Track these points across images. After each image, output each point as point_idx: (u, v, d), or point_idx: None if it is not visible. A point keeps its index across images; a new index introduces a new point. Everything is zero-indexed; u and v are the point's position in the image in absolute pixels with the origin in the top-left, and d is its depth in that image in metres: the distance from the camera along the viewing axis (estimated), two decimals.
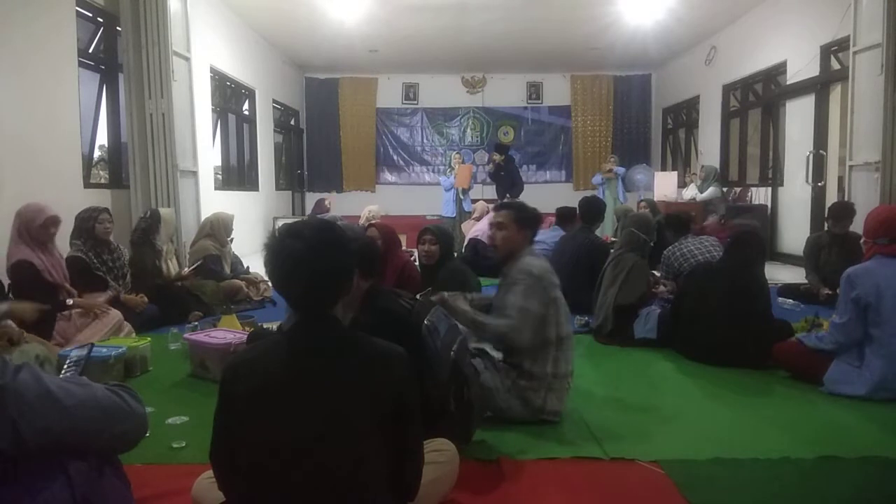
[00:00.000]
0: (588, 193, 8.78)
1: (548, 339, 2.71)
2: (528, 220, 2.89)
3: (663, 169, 12.17)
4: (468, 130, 13.43)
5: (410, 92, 13.32)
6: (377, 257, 2.54)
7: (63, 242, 4.38)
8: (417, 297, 3.06)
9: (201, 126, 7.34)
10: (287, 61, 11.75)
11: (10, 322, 3.32)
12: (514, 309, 2.64)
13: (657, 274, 4.83)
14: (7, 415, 1.23)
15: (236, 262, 6.05)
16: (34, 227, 3.82)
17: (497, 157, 10.23)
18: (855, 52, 5.97)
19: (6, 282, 3.76)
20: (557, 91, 13.28)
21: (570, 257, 5.23)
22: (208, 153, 8.04)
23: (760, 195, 8.81)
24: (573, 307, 4.74)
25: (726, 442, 2.56)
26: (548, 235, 5.88)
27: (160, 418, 2.75)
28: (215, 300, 5.12)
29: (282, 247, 1.47)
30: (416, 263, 4.47)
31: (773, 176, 8.62)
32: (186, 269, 5.21)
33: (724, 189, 9.34)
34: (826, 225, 5.54)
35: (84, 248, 4.35)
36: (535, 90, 13.36)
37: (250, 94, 10.09)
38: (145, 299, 4.52)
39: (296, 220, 2.04)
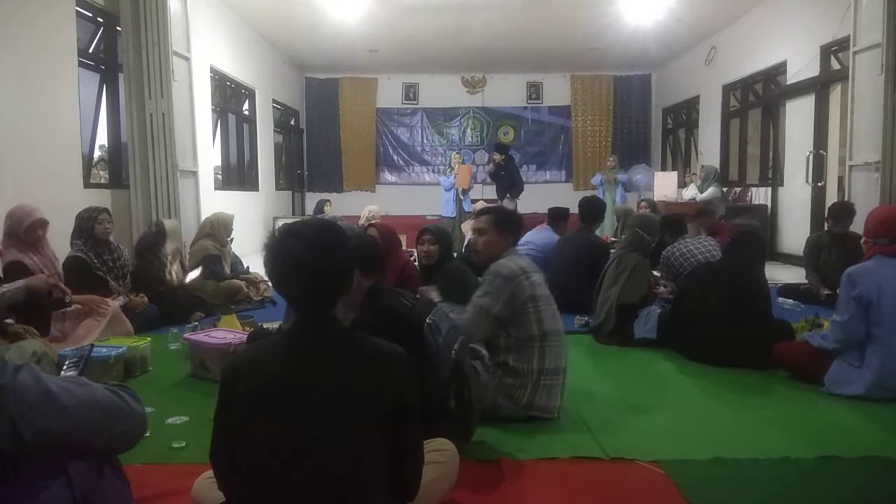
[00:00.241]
0: (588, 193, 8.78)
1: (530, 336, 2.72)
2: (508, 223, 2.93)
3: (663, 169, 12.17)
4: (468, 130, 13.43)
5: (410, 92, 13.32)
6: (378, 256, 2.54)
7: (62, 242, 4.38)
8: (417, 296, 3.06)
9: (201, 126, 7.34)
10: (287, 61, 11.75)
11: (9, 321, 3.34)
12: (471, 305, 2.75)
13: (657, 274, 4.84)
14: (7, 414, 1.23)
15: (236, 262, 6.04)
16: (21, 230, 3.83)
17: (497, 156, 10.22)
18: (855, 52, 5.97)
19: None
20: (557, 91, 13.29)
21: (570, 257, 5.23)
22: (208, 153, 8.04)
23: (760, 195, 8.81)
24: (573, 307, 4.80)
25: (726, 442, 2.56)
26: (538, 236, 5.87)
27: (160, 418, 2.74)
28: (215, 300, 5.11)
29: (282, 247, 1.47)
30: (416, 263, 4.47)
31: (773, 176, 8.62)
32: (189, 278, 5.19)
33: (724, 189, 9.34)
34: (826, 225, 5.54)
35: (84, 248, 4.36)
36: (535, 90, 13.36)
37: (250, 94, 10.09)
38: (145, 299, 4.52)
39: (296, 220, 2.04)
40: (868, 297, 3.01)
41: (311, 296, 1.49)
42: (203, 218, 6.31)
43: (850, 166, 6.05)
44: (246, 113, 10.17)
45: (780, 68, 8.39)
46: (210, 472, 1.65)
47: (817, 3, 7.40)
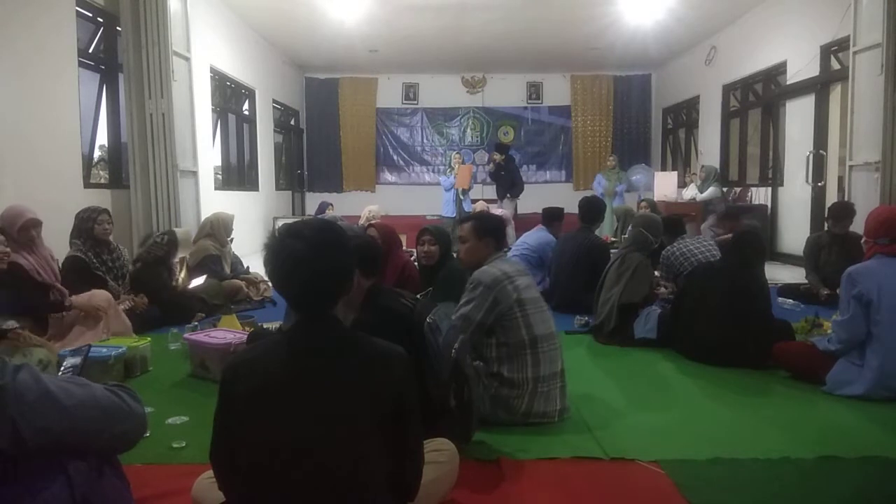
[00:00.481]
0: (588, 193, 8.77)
1: (520, 342, 2.68)
2: (488, 229, 2.90)
3: (663, 169, 12.17)
4: (468, 130, 13.43)
5: (410, 92, 13.32)
6: (378, 256, 2.54)
7: (62, 242, 4.38)
8: (417, 297, 3.06)
9: (201, 126, 7.34)
10: (287, 61, 11.75)
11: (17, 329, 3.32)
12: (456, 314, 2.72)
13: (657, 274, 4.84)
14: (7, 415, 1.23)
15: (236, 262, 6.05)
16: (14, 231, 3.82)
17: (497, 156, 10.23)
18: (855, 52, 5.97)
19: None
20: (557, 91, 13.28)
21: (570, 257, 5.23)
22: (208, 153, 8.04)
23: (760, 195, 8.81)
24: (573, 307, 4.81)
25: (726, 442, 2.56)
26: (533, 237, 5.88)
27: (160, 418, 2.74)
28: (215, 300, 5.11)
29: (282, 247, 1.47)
30: (416, 263, 4.47)
31: (773, 176, 8.62)
32: (193, 284, 5.17)
33: (724, 189, 9.34)
34: (826, 225, 5.54)
35: (83, 249, 4.35)
36: (535, 90, 13.36)
37: (250, 94, 10.09)
38: (146, 300, 4.52)
39: (296, 220, 2.04)
40: (868, 296, 3.02)
41: (311, 296, 1.49)
42: (203, 218, 6.32)
43: (850, 166, 6.05)
44: (246, 113, 10.17)
45: (780, 68, 8.39)
46: (210, 472, 1.65)
47: (817, 3, 7.40)
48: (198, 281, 5.23)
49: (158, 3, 6.08)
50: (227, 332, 3.60)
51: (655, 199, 8.94)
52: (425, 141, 13.49)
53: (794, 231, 7.78)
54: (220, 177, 9.15)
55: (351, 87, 13.13)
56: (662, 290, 4.59)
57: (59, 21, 5.28)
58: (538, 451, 2.45)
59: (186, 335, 3.61)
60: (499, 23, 9.37)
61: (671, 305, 4.11)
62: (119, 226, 5.24)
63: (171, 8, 6.28)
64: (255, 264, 6.74)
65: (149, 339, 3.70)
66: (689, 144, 12.01)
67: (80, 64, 5.68)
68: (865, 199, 5.65)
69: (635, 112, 13.30)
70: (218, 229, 5.75)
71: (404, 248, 5.17)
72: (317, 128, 13.27)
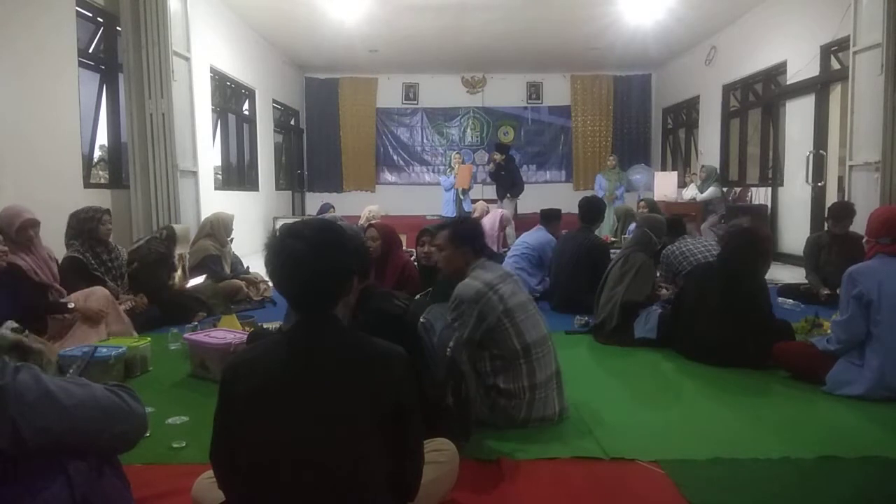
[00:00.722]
0: (588, 193, 8.78)
1: (513, 352, 2.64)
2: (464, 237, 2.81)
3: (663, 169, 12.18)
4: (468, 130, 13.43)
5: (410, 92, 13.32)
6: (368, 258, 2.54)
7: (59, 242, 4.37)
8: (417, 297, 3.07)
9: (201, 126, 7.34)
10: (287, 61, 11.75)
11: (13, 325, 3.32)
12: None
13: (658, 275, 4.84)
14: (7, 415, 1.23)
15: (236, 262, 6.05)
16: (12, 232, 3.81)
17: (498, 156, 10.23)
18: (855, 52, 5.97)
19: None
20: (557, 91, 13.29)
21: (570, 257, 5.23)
22: (208, 153, 8.04)
23: (760, 195, 8.81)
24: (573, 307, 4.81)
25: (726, 442, 2.56)
26: (532, 236, 5.88)
27: (160, 418, 2.74)
28: (215, 300, 5.11)
29: (282, 246, 1.48)
30: (416, 263, 4.47)
31: (773, 176, 8.62)
32: (190, 283, 5.18)
33: (724, 189, 9.34)
34: (826, 225, 5.54)
35: (81, 249, 4.34)
36: (535, 90, 13.36)
37: (250, 94, 10.09)
38: (145, 300, 4.52)
39: (296, 220, 2.04)
40: (868, 295, 3.02)
41: (311, 296, 1.49)
42: (203, 218, 6.32)
43: (850, 166, 6.05)
44: (246, 113, 10.17)
45: (780, 68, 8.39)
46: (210, 472, 1.65)
47: (817, 3, 7.40)
48: (196, 280, 5.23)
49: (158, 3, 6.08)
50: (227, 332, 3.60)
51: (655, 199, 8.94)
52: (425, 141, 13.49)
53: (794, 231, 7.78)
54: (220, 177, 9.15)
55: (351, 87, 13.13)
56: (664, 291, 4.58)
57: (59, 21, 5.28)
58: (538, 451, 2.45)
59: (186, 335, 3.61)
60: (499, 23, 9.36)
61: (671, 305, 4.11)
62: (119, 226, 5.24)
63: (171, 8, 6.28)
64: (255, 264, 6.74)
65: (149, 339, 3.70)
66: (689, 144, 12.01)
67: (80, 64, 5.68)
68: (865, 199, 5.65)
69: (635, 112, 13.30)
70: (218, 229, 5.75)
71: (404, 248, 5.17)
72: (317, 128, 13.27)
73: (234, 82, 9.38)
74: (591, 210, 5.53)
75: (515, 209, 9.96)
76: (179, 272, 5.18)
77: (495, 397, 2.65)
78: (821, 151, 7.28)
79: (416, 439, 1.55)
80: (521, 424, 2.66)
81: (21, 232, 3.85)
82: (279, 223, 9.87)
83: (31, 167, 4.86)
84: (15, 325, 3.30)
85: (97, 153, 6.79)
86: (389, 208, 10.38)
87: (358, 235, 3.43)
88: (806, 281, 5.53)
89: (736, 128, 9.98)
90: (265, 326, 4.08)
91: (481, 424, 2.58)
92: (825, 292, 5.13)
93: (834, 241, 5.33)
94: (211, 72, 8.14)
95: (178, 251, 5.14)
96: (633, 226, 7.77)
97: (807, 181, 7.34)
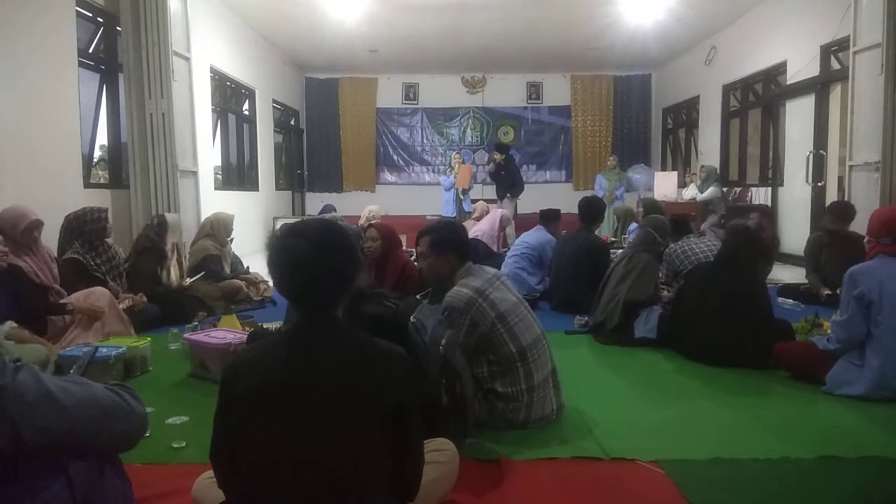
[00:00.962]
0: (588, 193, 8.77)
1: (509, 356, 2.62)
2: (446, 243, 2.73)
3: (663, 169, 12.18)
4: (468, 130, 13.43)
5: (410, 92, 13.32)
6: (362, 260, 2.52)
7: (55, 243, 4.36)
8: (417, 297, 3.06)
9: (201, 126, 7.34)
10: (287, 61, 11.75)
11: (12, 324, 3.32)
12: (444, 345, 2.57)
13: (659, 275, 4.84)
14: (7, 415, 1.23)
15: (236, 262, 6.04)
16: (18, 233, 3.80)
17: (497, 156, 10.23)
18: (855, 52, 5.97)
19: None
20: (557, 91, 13.29)
21: (570, 257, 5.23)
22: (208, 153, 8.04)
23: (760, 195, 8.81)
24: (573, 307, 4.81)
25: (726, 442, 2.56)
26: (532, 236, 5.88)
27: (160, 418, 2.74)
28: (215, 301, 5.11)
29: (284, 245, 1.48)
30: (416, 263, 4.47)
31: (773, 176, 8.62)
32: (188, 280, 5.19)
33: (724, 189, 9.34)
34: (823, 220, 5.52)
35: (81, 251, 4.34)
36: (535, 90, 13.36)
37: (250, 94, 10.09)
38: (144, 299, 4.52)
39: (296, 220, 2.04)
40: (869, 296, 3.02)
41: (312, 295, 1.49)
42: (203, 218, 6.31)
43: (850, 166, 6.05)
44: (246, 113, 10.18)
45: (780, 68, 8.39)
46: (210, 472, 1.65)
47: (817, 3, 7.40)
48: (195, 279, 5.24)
49: (158, 3, 6.08)
50: (227, 332, 3.59)
51: (655, 199, 8.93)
52: (425, 141, 13.49)
53: (794, 231, 7.78)
54: (220, 177, 9.16)
55: (351, 87, 13.13)
56: (665, 293, 4.58)
57: (59, 21, 5.28)
58: (538, 451, 2.45)
59: (186, 335, 3.61)
60: (499, 23, 9.37)
61: (671, 305, 4.11)
62: (119, 226, 5.24)
63: (171, 8, 6.28)
64: (255, 264, 6.74)
65: (149, 339, 3.70)
66: (689, 144, 12.01)
67: (80, 64, 5.67)
68: (865, 199, 5.65)
69: (635, 112, 13.30)
70: (218, 229, 5.74)
71: (404, 248, 5.18)
72: (317, 128, 13.27)
73: (234, 82, 9.38)
74: (591, 210, 5.53)
75: (515, 209, 9.96)
76: (176, 268, 5.18)
77: (493, 401, 2.64)
78: (821, 151, 7.29)
79: (416, 439, 1.55)
80: (520, 426, 2.65)
81: (26, 233, 3.85)
82: (279, 223, 9.88)
83: (31, 167, 4.86)
84: (15, 325, 3.31)
85: (97, 153, 6.79)
86: (389, 208, 10.37)
87: (358, 236, 3.43)
88: (806, 281, 5.53)
89: (736, 128, 9.98)
90: (265, 326, 4.08)
91: (480, 426, 2.58)
92: (826, 293, 5.12)
93: (834, 241, 5.32)
94: (211, 72, 8.14)
95: (170, 240, 5.14)
96: (633, 226, 7.78)
97: (807, 181, 7.34)
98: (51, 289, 3.93)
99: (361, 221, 7.28)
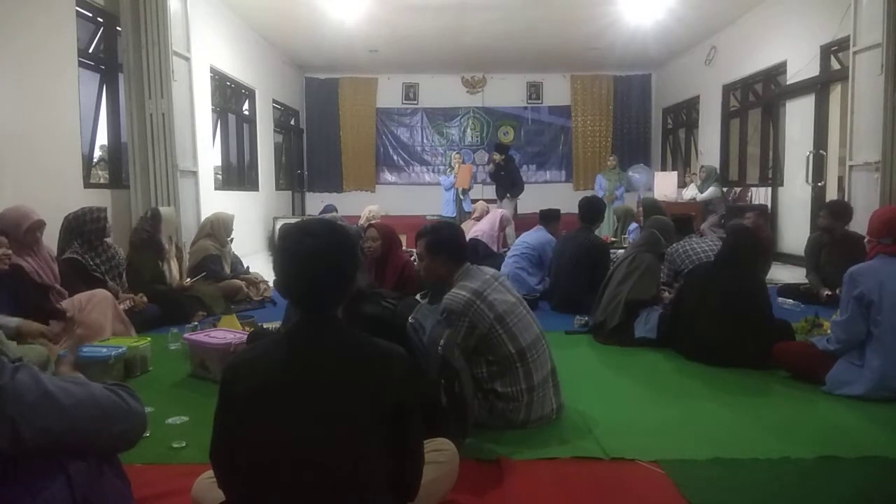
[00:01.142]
0: (588, 193, 8.77)
1: (508, 357, 2.62)
2: (442, 245, 2.73)
3: (663, 169, 12.18)
4: (468, 130, 13.43)
5: (410, 92, 13.32)
6: (360, 262, 2.52)
7: (54, 244, 4.36)
8: (417, 296, 3.06)
9: (201, 126, 7.34)
10: (287, 61, 11.75)
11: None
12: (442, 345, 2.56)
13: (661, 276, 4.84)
14: (7, 415, 1.23)
15: (236, 262, 6.05)
16: (21, 233, 3.80)
17: (497, 156, 10.23)
18: (855, 52, 5.97)
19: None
20: (557, 91, 13.29)
21: (570, 257, 5.23)
22: (208, 153, 8.04)
23: (760, 195, 8.81)
24: (573, 307, 4.81)
25: (726, 442, 2.56)
26: (532, 236, 5.88)
27: (160, 418, 2.74)
28: (215, 301, 5.11)
29: (288, 244, 1.49)
30: (416, 263, 4.47)
31: (773, 176, 8.62)
32: (188, 280, 5.19)
33: (724, 189, 9.34)
34: (819, 218, 5.51)
35: (80, 251, 4.34)
36: (535, 90, 13.36)
37: (250, 94, 10.09)
38: (145, 299, 4.52)
39: (297, 220, 2.04)
40: (869, 296, 3.01)
41: (314, 295, 1.50)
42: (203, 218, 6.32)
43: (850, 166, 6.05)
44: (246, 113, 10.17)
45: (780, 68, 8.39)
46: (210, 472, 1.65)
47: (817, 3, 7.40)
48: (195, 279, 5.25)
49: (158, 3, 6.08)
50: (227, 332, 3.60)
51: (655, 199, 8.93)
52: (425, 141, 13.49)
53: (794, 231, 7.78)
54: (220, 177, 9.15)
55: (351, 87, 13.13)
56: (666, 294, 4.59)
57: (58, 21, 5.28)
58: (538, 451, 2.45)
59: (186, 335, 3.61)
60: (499, 23, 9.36)
61: (671, 305, 4.11)
62: (119, 226, 5.24)
63: (171, 8, 6.27)
64: (255, 264, 6.75)
65: (149, 339, 3.70)
66: (689, 144, 12.01)
67: (80, 64, 5.67)
68: (865, 199, 5.65)
69: (635, 112, 13.30)
70: (218, 229, 5.75)
71: (404, 248, 5.18)
72: (317, 128, 13.27)
73: (234, 82, 9.38)
74: (591, 210, 5.53)
75: (515, 209, 9.96)
76: (175, 266, 5.19)
77: (493, 401, 2.64)
78: (821, 151, 7.29)
79: (416, 439, 1.56)
80: (520, 426, 2.65)
81: (28, 233, 3.85)
82: (279, 223, 9.89)
83: (31, 167, 4.86)
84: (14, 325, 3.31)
85: (97, 153, 6.79)
86: (389, 208, 10.38)
87: (358, 236, 3.43)
88: (806, 281, 5.53)
89: (736, 128, 9.98)
90: (265, 326, 4.08)
91: (480, 426, 2.58)
92: (826, 293, 5.12)
93: (834, 241, 5.32)
94: (211, 72, 8.14)
95: (165, 233, 5.14)
96: (633, 226, 7.78)
97: (807, 181, 7.34)
98: (52, 289, 3.93)
99: (361, 221, 7.28)
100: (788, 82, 8.06)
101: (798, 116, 7.89)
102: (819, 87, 7.38)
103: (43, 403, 1.28)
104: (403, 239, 5.42)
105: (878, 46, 5.56)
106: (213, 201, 7.30)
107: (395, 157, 13.47)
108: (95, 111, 6.29)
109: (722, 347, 3.56)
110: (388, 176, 13.51)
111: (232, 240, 5.95)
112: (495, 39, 10.31)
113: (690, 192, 9.33)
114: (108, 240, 4.61)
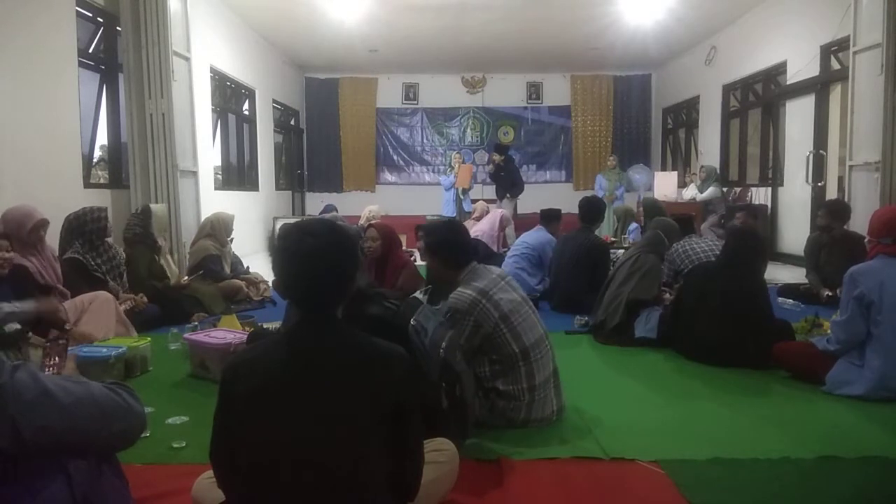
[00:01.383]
0: (588, 193, 8.77)
1: (511, 356, 2.62)
2: (439, 247, 2.74)
3: (663, 169, 12.18)
4: (468, 130, 13.44)
5: (410, 92, 13.32)
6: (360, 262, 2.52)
7: (54, 244, 4.36)
8: (418, 293, 3.05)
9: (201, 126, 7.34)
10: (287, 61, 11.75)
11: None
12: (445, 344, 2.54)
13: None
14: (6, 414, 1.23)
15: (236, 262, 6.04)
16: (25, 233, 3.80)
17: (497, 157, 10.23)
18: (855, 52, 5.97)
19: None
20: (557, 91, 13.29)
21: (570, 257, 5.23)
22: (208, 153, 8.04)
23: (760, 195, 8.81)
24: (573, 307, 4.81)
25: (726, 442, 2.56)
26: (532, 236, 5.89)
27: (160, 418, 2.74)
28: (214, 301, 5.11)
29: (289, 243, 1.49)
30: (416, 263, 4.47)
31: (773, 176, 8.62)
32: (186, 278, 5.19)
33: (724, 189, 9.34)
34: (817, 217, 5.51)
35: (81, 251, 4.34)
36: (535, 90, 13.36)
37: (250, 94, 10.09)
38: (145, 299, 4.52)
39: (297, 220, 2.05)
40: (869, 296, 3.01)
41: (314, 295, 1.50)
42: (203, 218, 6.31)
43: (850, 166, 6.05)
44: (246, 113, 10.18)
45: (780, 68, 8.39)
46: (210, 472, 1.65)
47: (817, 3, 7.40)
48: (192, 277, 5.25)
49: (158, 3, 6.08)
50: (227, 332, 3.59)
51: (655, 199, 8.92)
52: (425, 141, 13.49)
53: (794, 231, 7.78)
54: (220, 177, 9.16)
55: (351, 87, 13.13)
56: (667, 295, 4.59)
57: (58, 21, 5.28)
58: (538, 451, 2.45)
59: (186, 335, 3.61)
60: (499, 23, 9.37)
61: (671, 305, 4.11)
62: (119, 226, 5.24)
63: (171, 8, 6.27)
64: (255, 264, 6.75)
65: (149, 339, 3.70)
66: (689, 144, 12.01)
67: (80, 64, 5.67)
68: (865, 199, 5.65)
69: (635, 112, 13.30)
70: (218, 229, 5.75)
71: (404, 248, 5.18)
72: (317, 128, 13.27)
73: (234, 82, 9.38)
74: (591, 210, 5.53)
75: (515, 209, 9.97)
76: (171, 260, 5.19)
77: (494, 399, 2.64)
78: (821, 151, 7.29)
79: (416, 439, 1.55)
80: (520, 425, 2.65)
81: (32, 233, 3.85)
82: (279, 223, 9.89)
83: (31, 167, 4.86)
84: (17, 326, 3.31)
85: (97, 153, 6.79)
86: (389, 208, 10.38)
87: (358, 236, 3.43)
88: (806, 281, 5.53)
89: (736, 128, 9.98)
90: (265, 326, 4.08)
91: (481, 425, 2.58)
92: (826, 293, 5.11)
93: (834, 241, 5.32)
94: (211, 72, 8.14)
95: (157, 229, 5.14)
96: (633, 226, 7.79)
97: (807, 181, 7.34)
98: (55, 289, 3.93)
99: (361, 221, 7.29)
100: (788, 82, 8.06)
101: (798, 116, 7.89)
102: (819, 87, 7.38)
103: (42, 402, 1.28)
104: (403, 239, 5.43)
105: (878, 46, 5.56)
106: (213, 201, 7.30)
107: (395, 157, 13.48)
108: (95, 111, 6.29)
109: (722, 347, 3.56)
110: (388, 176, 13.51)
111: (232, 240, 5.95)
112: (495, 39, 10.31)
113: (690, 192, 9.34)
114: (109, 240, 4.61)
